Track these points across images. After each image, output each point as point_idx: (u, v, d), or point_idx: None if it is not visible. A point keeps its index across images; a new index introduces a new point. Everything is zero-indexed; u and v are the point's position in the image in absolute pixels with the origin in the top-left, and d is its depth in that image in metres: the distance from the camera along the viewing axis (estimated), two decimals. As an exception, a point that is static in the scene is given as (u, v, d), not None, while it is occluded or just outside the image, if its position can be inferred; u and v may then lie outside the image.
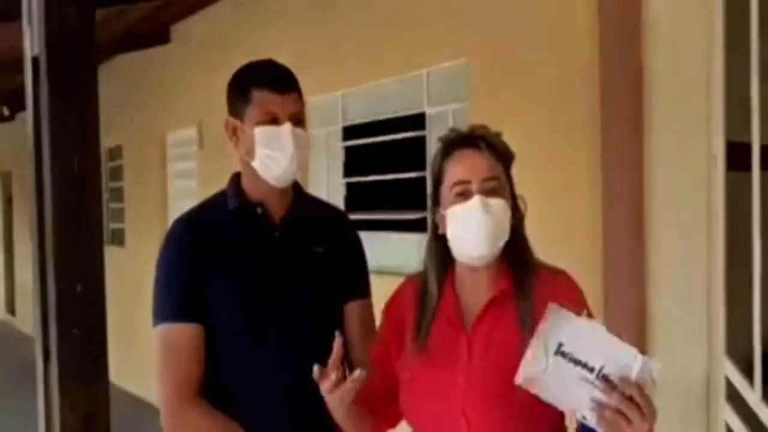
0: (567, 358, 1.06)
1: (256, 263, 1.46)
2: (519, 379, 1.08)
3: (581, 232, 2.53)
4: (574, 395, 1.06)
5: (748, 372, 2.16)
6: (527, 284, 1.25)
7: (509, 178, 1.29)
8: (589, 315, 1.13)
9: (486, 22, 2.96)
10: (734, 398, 2.19)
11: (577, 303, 1.18)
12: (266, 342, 1.44)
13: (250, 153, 1.45)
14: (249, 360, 1.44)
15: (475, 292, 1.28)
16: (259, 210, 1.49)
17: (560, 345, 1.06)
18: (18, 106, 8.11)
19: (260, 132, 1.43)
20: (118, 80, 5.96)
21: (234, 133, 1.49)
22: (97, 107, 1.01)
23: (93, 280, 0.97)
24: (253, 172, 1.48)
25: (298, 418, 1.44)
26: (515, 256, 1.28)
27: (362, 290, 1.58)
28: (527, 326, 1.18)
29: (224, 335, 1.43)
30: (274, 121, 1.44)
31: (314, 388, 1.44)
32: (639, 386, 1.04)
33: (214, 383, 1.43)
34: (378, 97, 3.72)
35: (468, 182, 1.24)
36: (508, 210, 1.24)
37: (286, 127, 1.44)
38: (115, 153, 6.71)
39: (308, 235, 1.52)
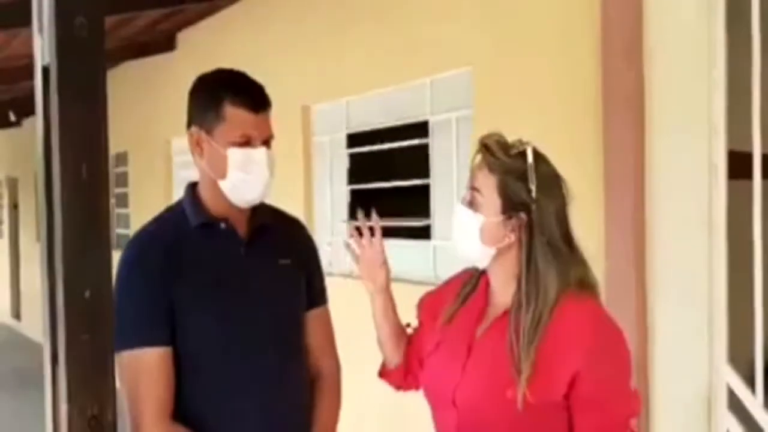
0: None
1: (223, 280, 1.41)
2: None
3: (582, 242, 2.54)
4: None
5: (749, 380, 2.16)
6: (532, 304, 1.23)
7: (506, 194, 1.25)
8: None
9: (489, 31, 2.98)
10: (736, 406, 2.19)
11: (584, 350, 1.20)
12: (236, 357, 1.41)
13: (219, 172, 1.39)
14: (218, 376, 1.40)
15: (497, 296, 1.33)
16: (223, 225, 1.44)
17: None
18: (24, 111, 8.16)
19: (234, 154, 1.37)
20: (125, 87, 6.00)
21: (198, 144, 1.42)
22: (106, 115, 1.02)
23: (101, 286, 0.98)
24: (217, 189, 1.42)
25: (266, 429, 1.43)
26: (526, 273, 1.26)
27: (322, 298, 1.59)
28: (516, 344, 1.21)
29: (193, 353, 1.39)
30: (246, 143, 1.38)
31: (287, 401, 1.45)
32: None
33: (183, 401, 1.38)
34: (382, 105, 3.74)
35: (467, 188, 1.32)
36: (476, 224, 1.26)
37: (262, 152, 1.39)
38: (121, 159, 6.75)
39: (273, 247, 1.49)
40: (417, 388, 1.46)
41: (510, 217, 1.25)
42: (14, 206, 10.88)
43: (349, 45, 3.82)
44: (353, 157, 4.01)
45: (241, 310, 1.42)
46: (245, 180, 1.38)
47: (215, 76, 1.48)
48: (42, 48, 1.10)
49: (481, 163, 1.28)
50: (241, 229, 1.46)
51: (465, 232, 1.29)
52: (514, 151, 1.26)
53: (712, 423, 2.24)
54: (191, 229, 1.43)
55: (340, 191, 4.05)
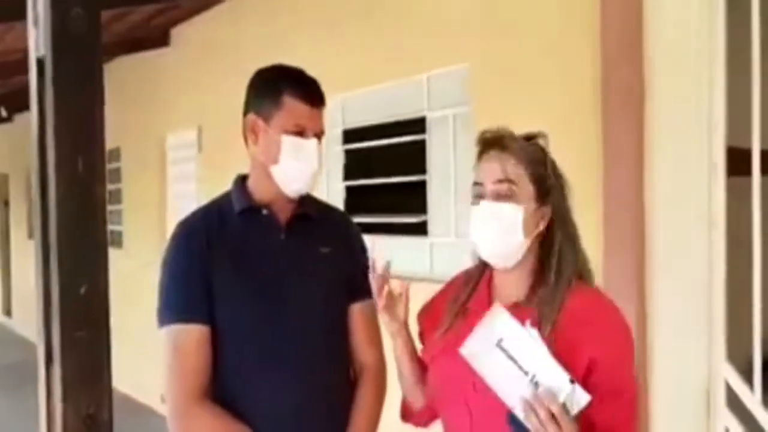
0: (505, 354, 1.13)
1: (262, 264, 1.46)
2: (463, 349, 1.16)
3: (582, 238, 2.53)
4: (507, 386, 1.14)
5: (748, 377, 2.16)
6: (552, 293, 1.23)
7: (538, 181, 1.26)
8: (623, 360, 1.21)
9: (487, 27, 2.97)
10: (734, 403, 2.19)
11: (607, 341, 1.20)
12: (272, 343, 1.43)
13: (271, 158, 1.45)
14: (253, 359, 1.43)
15: (504, 293, 1.30)
16: (264, 212, 1.49)
17: (500, 340, 1.14)
18: (16, 107, 8.10)
19: (287, 141, 1.44)
20: (118, 82, 5.96)
21: (253, 131, 1.48)
22: (102, 108, 1.01)
23: (97, 282, 0.96)
24: (266, 175, 1.48)
25: (305, 418, 1.44)
26: (547, 261, 1.26)
27: (366, 292, 1.56)
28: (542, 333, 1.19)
29: (229, 335, 1.42)
30: (300, 132, 1.45)
31: (321, 386, 1.46)
32: (563, 408, 1.10)
33: (221, 384, 1.42)
34: (378, 101, 3.72)
35: (481, 184, 1.26)
36: (518, 216, 1.23)
37: (313, 143, 1.46)
38: (114, 155, 6.70)
39: (314, 236, 1.52)
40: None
41: (541, 205, 1.26)
42: (5, 203, 10.80)
43: (345, 40, 3.80)
44: (349, 154, 3.99)
45: (276, 295, 1.44)
46: (295, 167, 1.45)
47: (276, 68, 1.54)
48: (37, 40, 1.08)
49: (506, 155, 1.25)
50: (284, 217, 1.51)
51: (506, 227, 1.23)
52: (531, 141, 1.28)
53: (710, 420, 2.23)
54: (234, 215, 1.49)
55: (336, 188, 4.03)
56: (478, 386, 1.20)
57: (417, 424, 1.48)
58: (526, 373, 1.12)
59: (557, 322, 1.20)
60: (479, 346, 1.15)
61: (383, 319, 1.41)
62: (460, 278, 1.41)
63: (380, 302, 1.36)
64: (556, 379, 1.11)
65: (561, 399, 1.10)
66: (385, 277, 1.36)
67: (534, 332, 1.14)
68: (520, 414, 1.13)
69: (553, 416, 1.09)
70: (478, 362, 1.16)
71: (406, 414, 1.48)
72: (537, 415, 1.09)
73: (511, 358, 1.13)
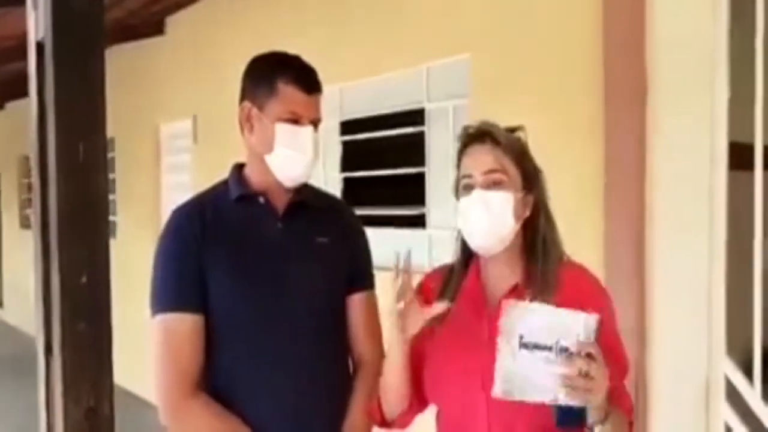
0: (529, 348, 1.15)
1: (257, 253, 1.43)
2: (496, 391, 1.16)
3: (582, 232, 2.52)
4: (544, 383, 1.15)
5: (747, 371, 2.16)
6: (546, 273, 1.29)
7: (524, 171, 1.32)
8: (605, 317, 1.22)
9: (488, 18, 2.94)
10: (734, 398, 2.19)
11: (601, 304, 1.29)
12: (267, 331, 1.41)
13: (266, 146, 1.43)
14: (249, 350, 1.40)
15: (497, 280, 1.34)
16: (261, 199, 1.47)
17: (521, 337, 1.15)
18: (7, 95, 8.01)
19: (282, 129, 1.41)
20: (112, 71, 5.87)
21: (248, 119, 1.46)
22: (104, 93, 0.98)
23: (99, 272, 0.94)
24: (262, 163, 1.45)
25: (298, 408, 1.42)
26: (534, 245, 1.32)
27: (366, 282, 1.56)
28: None
29: (224, 325, 1.40)
30: (295, 120, 1.42)
31: (319, 380, 1.44)
32: (594, 345, 1.13)
33: (214, 373, 1.40)
34: (377, 92, 3.69)
35: (470, 176, 1.30)
36: (510, 202, 1.28)
37: (308, 131, 1.43)
38: (108, 144, 6.65)
39: (311, 225, 1.50)
40: (422, 410, 1.40)
41: (527, 193, 1.32)
42: (-3, 192, 10.70)
43: (344, 30, 3.76)
44: (347, 145, 3.97)
45: (272, 284, 1.41)
46: (290, 156, 1.42)
47: (271, 55, 1.51)
48: (36, 22, 1.05)
49: (491, 145, 1.30)
50: (281, 205, 1.48)
51: (498, 213, 1.28)
52: (513, 132, 1.34)
53: (709, 414, 2.23)
54: (230, 202, 1.47)
55: (333, 179, 4.00)
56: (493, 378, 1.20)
57: (402, 426, 1.42)
58: (550, 349, 1.14)
59: (556, 299, 1.24)
60: (506, 369, 1.15)
61: (398, 330, 1.28)
62: (438, 275, 1.41)
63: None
64: (571, 326, 1.14)
65: (581, 337, 1.13)
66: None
67: (534, 305, 1.18)
68: (564, 397, 1.13)
69: (590, 356, 1.11)
70: (515, 392, 1.16)
71: (384, 421, 1.41)
72: (573, 376, 1.11)
73: (535, 347, 1.15)
